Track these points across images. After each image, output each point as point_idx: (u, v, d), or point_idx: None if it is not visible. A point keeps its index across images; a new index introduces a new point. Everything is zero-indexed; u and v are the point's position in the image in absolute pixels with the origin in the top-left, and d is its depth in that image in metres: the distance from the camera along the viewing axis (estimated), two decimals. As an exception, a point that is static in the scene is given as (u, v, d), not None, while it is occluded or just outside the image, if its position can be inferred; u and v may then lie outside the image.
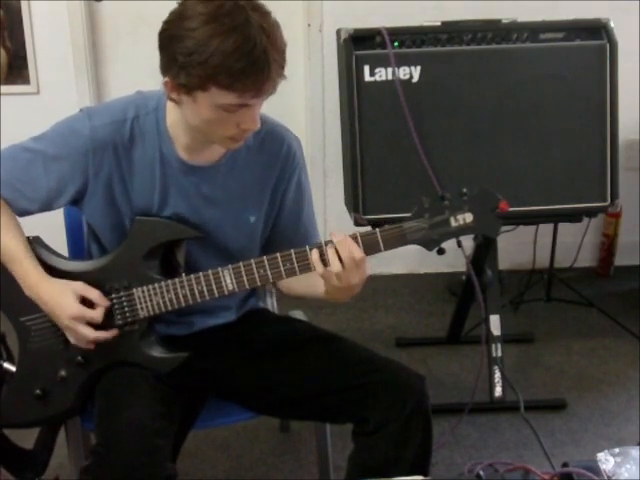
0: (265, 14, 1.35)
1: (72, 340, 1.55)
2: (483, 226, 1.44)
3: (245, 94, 1.34)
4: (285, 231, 1.69)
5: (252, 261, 1.49)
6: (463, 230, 1.44)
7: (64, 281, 1.54)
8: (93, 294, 1.53)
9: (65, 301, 1.51)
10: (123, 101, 1.57)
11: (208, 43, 1.30)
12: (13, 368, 1.61)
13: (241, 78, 1.31)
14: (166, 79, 1.39)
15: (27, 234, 1.60)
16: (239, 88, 1.33)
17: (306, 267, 1.47)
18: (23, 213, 1.58)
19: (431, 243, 1.44)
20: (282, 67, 1.36)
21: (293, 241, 1.65)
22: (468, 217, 1.43)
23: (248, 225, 1.63)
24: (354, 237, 1.44)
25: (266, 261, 1.48)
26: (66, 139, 1.52)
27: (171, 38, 1.35)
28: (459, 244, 1.50)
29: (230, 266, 1.50)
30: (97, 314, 1.52)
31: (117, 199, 1.55)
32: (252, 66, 1.31)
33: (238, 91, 1.33)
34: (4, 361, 1.62)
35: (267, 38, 1.32)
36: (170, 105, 1.50)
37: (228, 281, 1.50)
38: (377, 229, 1.45)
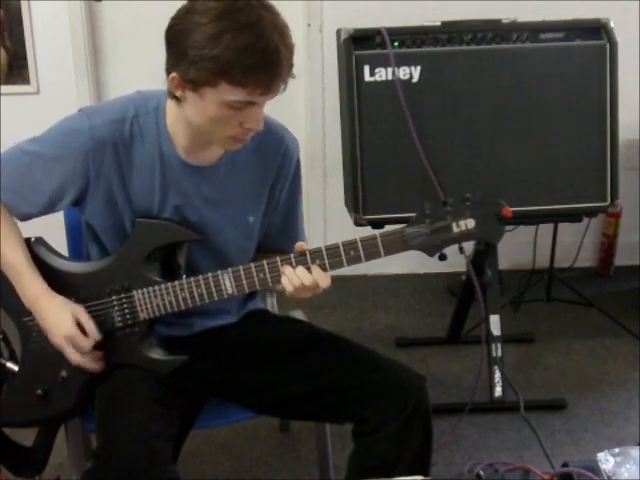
0: (276, 14, 1.36)
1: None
2: (485, 232, 1.44)
3: (255, 91, 1.34)
4: (274, 231, 1.69)
5: (252, 265, 1.49)
6: (465, 236, 1.43)
7: (64, 300, 1.53)
8: (87, 323, 1.52)
9: (62, 320, 1.51)
10: (123, 100, 1.56)
11: (221, 38, 1.30)
12: (16, 367, 1.61)
13: (253, 74, 1.32)
14: (173, 75, 1.38)
15: (28, 234, 1.60)
16: (250, 84, 1.33)
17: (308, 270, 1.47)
18: (25, 217, 1.58)
19: (432, 249, 1.44)
20: (292, 66, 1.37)
21: (282, 242, 1.66)
22: (470, 223, 1.42)
23: (247, 225, 1.63)
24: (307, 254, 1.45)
25: (266, 265, 1.48)
26: (66, 139, 1.51)
27: (181, 32, 1.34)
28: (461, 250, 1.49)
29: (230, 270, 1.50)
30: (87, 344, 1.51)
31: (117, 199, 1.55)
32: (265, 62, 1.31)
33: (249, 87, 1.33)
34: (6, 360, 1.62)
35: (279, 37, 1.33)
36: (170, 105, 1.49)
37: (228, 285, 1.50)
38: (377, 233, 1.44)
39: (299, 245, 1.47)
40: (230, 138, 1.45)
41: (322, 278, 1.45)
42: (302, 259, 1.46)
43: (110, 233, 1.58)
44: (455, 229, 1.43)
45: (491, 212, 1.43)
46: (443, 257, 1.45)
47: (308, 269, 1.45)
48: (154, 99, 1.53)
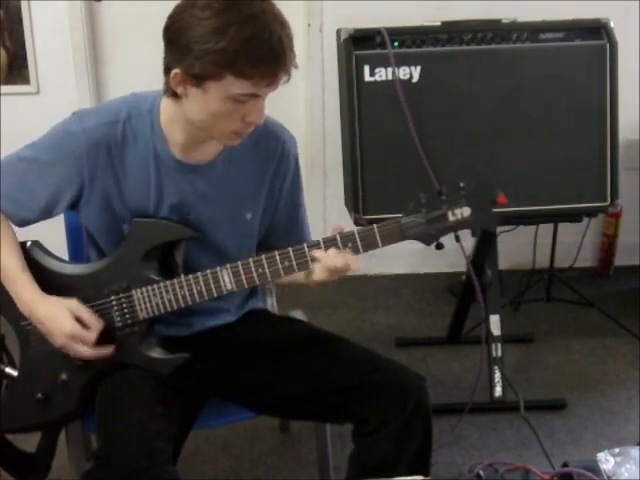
0: (274, 5, 1.38)
1: (71, 355, 1.54)
2: (481, 220, 1.45)
3: (261, 82, 1.35)
4: (280, 229, 1.70)
5: (250, 260, 1.49)
6: (461, 224, 1.44)
7: (59, 299, 1.52)
8: (85, 315, 1.51)
9: (61, 319, 1.50)
10: (116, 102, 1.56)
11: (226, 30, 1.30)
12: (15, 373, 1.60)
13: (260, 65, 1.33)
14: (176, 71, 1.37)
15: (27, 238, 1.60)
16: (256, 75, 1.33)
17: (304, 265, 1.47)
18: (23, 223, 1.58)
19: (429, 238, 1.45)
20: (294, 57, 1.38)
21: (289, 239, 1.66)
22: (466, 211, 1.43)
23: (245, 222, 1.63)
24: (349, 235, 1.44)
25: (264, 260, 1.48)
26: (60, 143, 1.51)
27: (182, 28, 1.34)
28: (457, 239, 1.50)
29: (228, 265, 1.50)
30: (91, 335, 1.51)
31: (112, 201, 1.55)
32: (270, 53, 1.32)
33: (254, 79, 1.34)
34: (5, 366, 1.61)
35: (281, 27, 1.34)
36: (165, 103, 1.49)
37: (227, 280, 1.50)
38: (374, 225, 1.45)
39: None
40: (232, 133, 1.45)
41: (354, 261, 1.44)
42: (301, 252, 1.46)
43: (106, 235, 1.58)
44: (451, 218, 1.44)
45: (486, 200, 1.44)
46: (440, 246, 1.46)
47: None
48: (148, 100, 1.53)
